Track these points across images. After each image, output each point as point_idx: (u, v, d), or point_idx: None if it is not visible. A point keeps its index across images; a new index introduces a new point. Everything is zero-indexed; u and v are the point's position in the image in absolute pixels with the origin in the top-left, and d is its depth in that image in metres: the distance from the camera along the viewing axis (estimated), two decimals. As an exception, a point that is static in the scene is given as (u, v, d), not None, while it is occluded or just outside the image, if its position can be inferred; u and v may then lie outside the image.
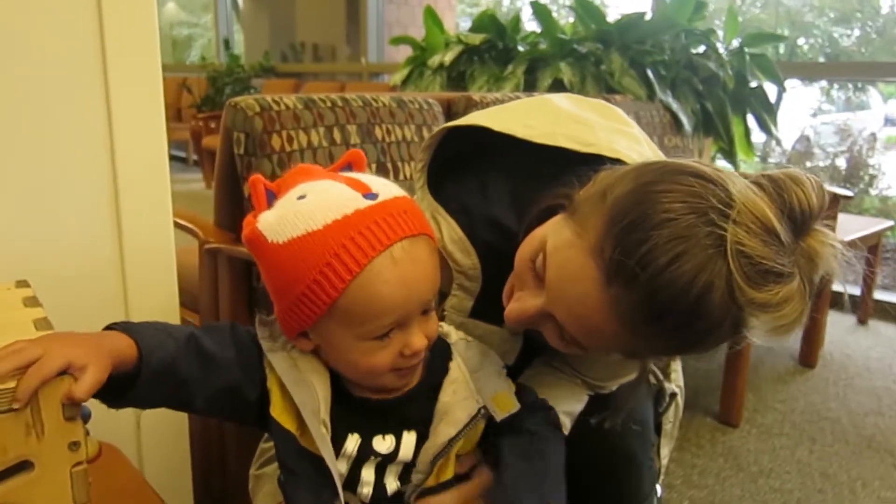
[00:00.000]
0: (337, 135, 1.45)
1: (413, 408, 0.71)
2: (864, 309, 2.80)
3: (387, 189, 0.66)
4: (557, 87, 2.74)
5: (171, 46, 8.88)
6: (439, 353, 0.74)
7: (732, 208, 0.60)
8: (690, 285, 0.59)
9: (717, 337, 0.63)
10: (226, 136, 1.37)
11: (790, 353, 2.44)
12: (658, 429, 0.97)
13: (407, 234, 0.63)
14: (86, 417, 0.62)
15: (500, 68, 3.09)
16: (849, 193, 2.41)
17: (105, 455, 0.85)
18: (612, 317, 0.63)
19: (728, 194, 0.61)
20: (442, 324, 0.77)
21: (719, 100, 2.87)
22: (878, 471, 1.74)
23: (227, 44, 6.80)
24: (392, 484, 0.71)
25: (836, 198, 2.26)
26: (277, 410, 0.69)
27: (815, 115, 4.28)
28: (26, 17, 0.93)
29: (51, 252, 1.00)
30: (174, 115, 6.69)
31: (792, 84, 3.26)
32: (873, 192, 3.96)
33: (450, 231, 0.83)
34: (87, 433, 0.59)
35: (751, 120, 2.98)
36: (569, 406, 0.87)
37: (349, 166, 0.72)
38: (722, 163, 2.94)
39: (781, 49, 3.69)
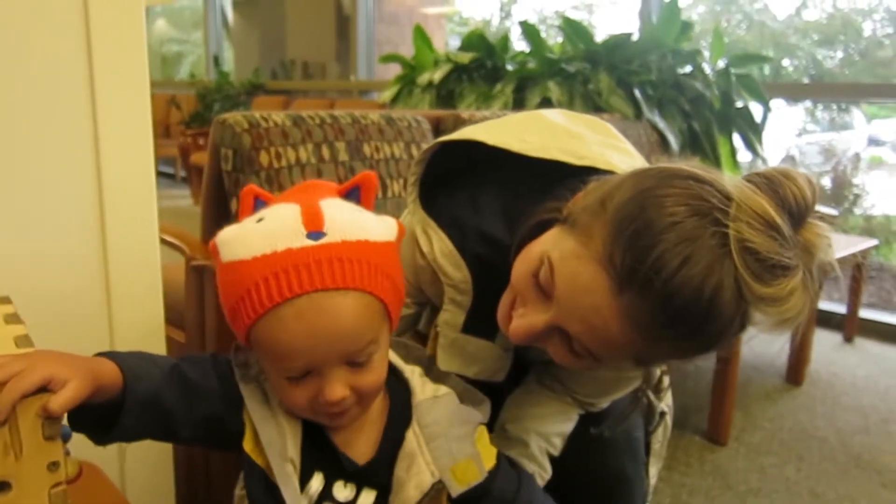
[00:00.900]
0: (325, 152, 1.45)
1: (376, 470, 0.69)
2: (850, 327, 2.82)
3: (342, 230, 0.62)
4: (546, 105, 2.76)
5: (160, 63, 8.88)
6: (399, 417, 0.70)
7: (731, 206, 0.61)
8: (702, 287, 0.59)
9: (728, 336, 0.64)
10: (214, 152, 1.37)
11: (777, 372, 2.45)
12: (647, 448, 0.97)
13: (323, 287, 0.59)
14: (66, 437, 0.61)
15: (489, 87, 3.11)
16: (834, 212, 2.43)
17: (86, 475, 0.83)
18: (627, 324, 0.63)
19: (726, 193, 0.62)
20: (414, 377, 0.72)
21: (706, 119, 2.90)
22: (866, 489, 1.74)
23: (216, 61, 6.81)
24: None
25: (821, 217, 2.27)
26: (250, 445, 0.67)
27: (800, 135, 4.33)
28: (12, 30, 0.93)
29: (34, 268, 0.99)
30: (163, 131, 6.68)
31: (777, 104, 3.30)
32: (858, 211, 4.01)
33: (441, 245, 0.83)
34: (67, 453, 0.58)
35: (737, 139, 3.00)
36: (560, 426, 0.87)
37: (357, 189, 0.69)
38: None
39: (766, 70, 3.73)
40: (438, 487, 0.66)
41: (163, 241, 1.30)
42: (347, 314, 0.60)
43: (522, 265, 0.72)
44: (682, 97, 2.87)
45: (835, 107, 4.39)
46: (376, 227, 0.65)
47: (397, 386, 0.72)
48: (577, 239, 0.66)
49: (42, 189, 0.99)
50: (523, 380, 0.93)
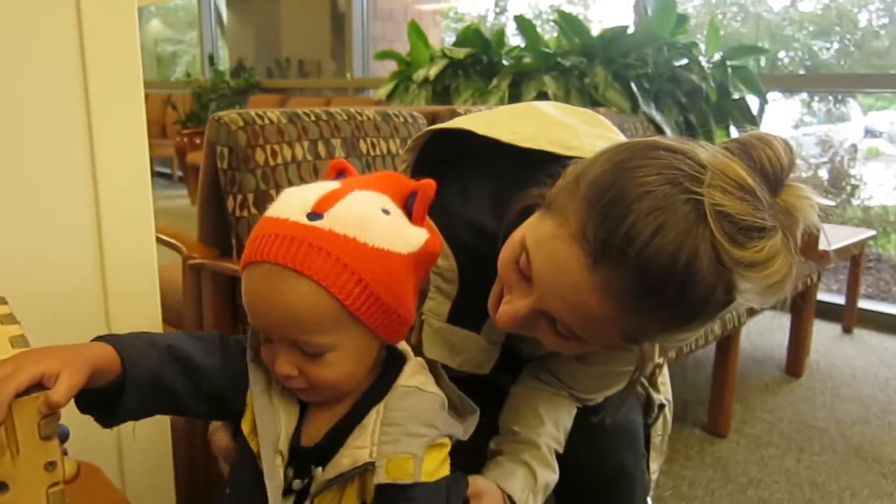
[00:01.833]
0: (321, 149, 1.45)
1: (326, 449, 0.67)
2: (849, 318, 2.82)
3: (338, 221, 0.61)
4: (542, 100, 2.75)
5: (155, 63, 8.86)
6: (375, 395, 0.68)
7: (705, 173, 0.61)
8: (678, 253, 0.59)
9: (712, 305, 0.63)
10: (209, 150, 1.36)
11: (777, 364, 2.45)
12: (647, 441, 0.97)
13: (283, 263, 0.60)
14: (63, 437, 0.61)
15: (485, 82, 3.11)
16: (831, 203, 2.43)
17: (85, 475, 0.83)
18: (607, 299, 0.63)
19: (698, 160, 0.62)
20: (412, 364, 0.70)
21: (702, 112, 2.89)
22: (867, 479, 1.74)
23: (211, 60, 6.80)
24: None
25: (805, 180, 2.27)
26: (248, 427, 0.68)
27: (796, 126, 4.33)
28: (5, 31, 0.93)
29: (30, 269, 0.99)
30: (159, 131, 6.67)
31: (773, 97, 3.30)
32: (855, 202, 4.01)
33: None
34: (64, 453, 0.58)
35: (734, 132, 3.00)
36: (565, 421, 0.87)
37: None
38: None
39: (762, 62, 3.73)
40: (369, 469, 0.64)
41: (159, 241, 1.30)
42: (294, 298, 0.60)
43: (505, 253, 0.72)
44: (678, 90, 2.87)
45: (831, 98, 4.39)
46: (382, 234, 0.62)
47: (392, 367, 0.70)
48: (554, 220, 0.66)
49: (37, 190, 0.98)
50: (519, 376, 0.93)
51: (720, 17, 4.39)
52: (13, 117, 0.95)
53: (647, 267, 0.60)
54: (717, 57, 3.03)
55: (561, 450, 0.87)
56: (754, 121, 2.99)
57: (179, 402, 0.66)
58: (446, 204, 0.84)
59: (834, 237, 2.49)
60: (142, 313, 1.11)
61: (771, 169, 0.63)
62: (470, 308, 0.78)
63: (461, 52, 3.23)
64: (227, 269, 1.33)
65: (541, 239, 0.67)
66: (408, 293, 0.66)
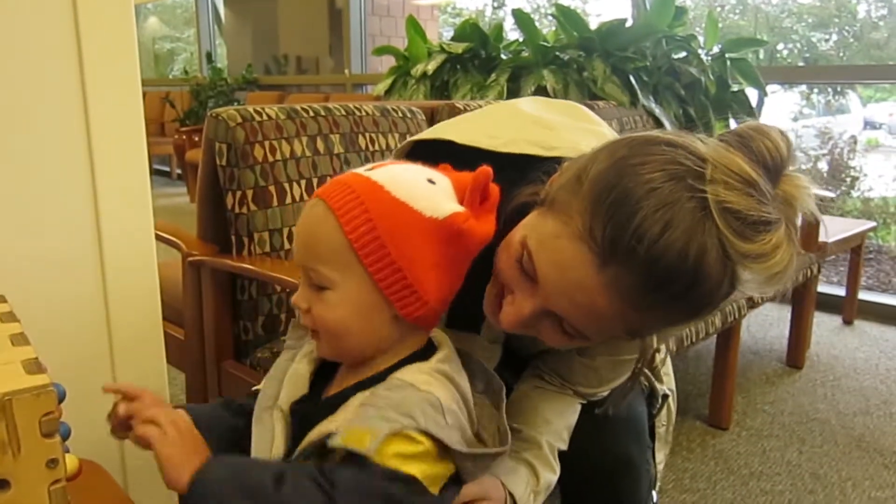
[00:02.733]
0: (320, 144, 1.44)
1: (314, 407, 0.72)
2: (850, 309, 2.82)
3: (380, 175, 0.67)
4: (540, 94, 2.75)
5: (153, 61, 8.85)
6: (372, 381, 0.68)
7: (706, 167, 0.61)
8: (686, 250, 0.59)
9: (717, 298, 0.63)
10: (208, 147, 1.36)
11: (778, 356, 2.45)
12: (651, 433, 0.97)
13: (318, 194, 0.67)
14: (65, 434, 0.61)
15: (484, 76, 3.10)
16: (831, 195, 2.43)
17: (88, 473, 0.83)
18: (615, 297, 0.63)
19: (699, 155, 0.62)
20: (426, 364, 0.68)
21: (701, 105, 2.89)
22: (868, 470, 1.74)
23: (209, 57, 6.78)
24: None
25: (819, 199, 2.27)
26: None
27: (796, 119, 4.33)
28: (0, 30, 0.92)
29: (29, 266, 0.99)
30: (157, 129, 6.66)
31: (772, 89, 3.30)
32: (855, 193, 4.01)
33: None
34: (66, 450, 0.58)
35: (733, 124, 2.99)
36: (568, 419, 0.87)
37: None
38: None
39: (761, 54, 3.73)
40: (327, 441, 0.63)
41: (159, 239, 1.30)
42: (311, 221, 0.67)
43: (505, 253, 0.71)
44: (677, 83, 2.86)
45: (830, 90, 4.39)
46: (411, 192, 0.65)
47: (421, 358, 0.70)
48: (557, 218, 0.66)
49: (36, 189, 0.98)
50: (522, 375, 0.93)
51: (718, 9, 4.38)
52: (10, 116, 0.95)
53: (657, 264, 0.60)
54: (715, 49, 3.03)
55: (564, 447, 0.86)
56: (753, 113, 2.99)
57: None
58: None
59: (834, 229, 2.49)
60: (142, 311, 1.11)
61: (771, 160, 0.62)
62: (464, 312, 0.78)
63: (459, 47, 3.22)
64: (227, 266, 1.32)
65: (544, 238, 0.67)
66: (421, 259, 0.65)
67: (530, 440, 0.85)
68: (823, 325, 2.76)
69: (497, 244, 0.73)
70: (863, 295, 2.91)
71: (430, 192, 0.66)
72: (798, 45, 4.42)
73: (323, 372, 0.75)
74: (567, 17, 3.00)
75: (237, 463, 0.67)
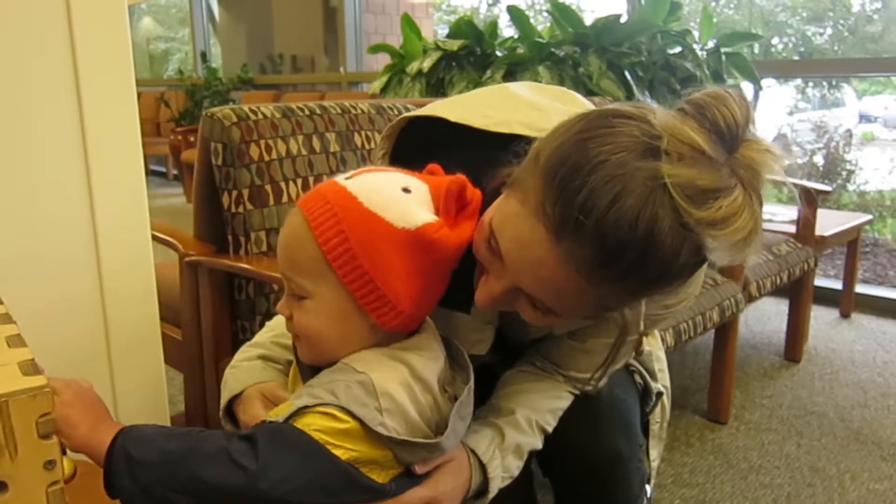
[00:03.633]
0: (316, 143, 1.44)
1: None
2: (847, 303, 2.83)
3: (354, 184, 0.69)
4: (536, 91, 2.75)
5: (148, 61, 8.82)
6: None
7: (658, 139, 0.61)
8: (636, 221, 0.59)
9: (680, 266, 0.63)
10: (203, 147, 1.36)
11: (775, 349, 2.46)
12: (645, 430, 0.97)
13: (298, 204, 0.69)
14: (62, 436, 0.61)
15: (479, 73, 3.10)
16: (827, 188, 2.44)
17: (85, 475, 0.83)
18: (571, 271, 0.63)
19: (651, 126, 0.62)
20: (386, 361, 0.70)
21: (697, 99, 2.89)
22: (867, 463, 1.75)
23: (204, 57, 6.77)
24: None
25: (815, 193, 2.28)
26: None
27: (791, 113, 4.33)
28: (-6, 30, 0.92)
29: (26, 268, 0.99)
30: (153, 129, 6.64)
31: (768, 83, 3.30)
32: (851, 187, 4.01)
33: None
34: (63, 452, 0.58)
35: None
36: (551, 402, 0.87)
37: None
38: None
39: (756, 48, 3.73)
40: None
41: (155, 239, 1.30)
42: (289, 231, 0.69)
43: (477, 235, 0.72)
44: (672, 78, 2.86)
45: (825, 84, 4.39)
46: (382, 202, 0.67)
47: None
48: (515, 197, 0.67)
49: (31, 191, 0.98)
50: (516, 363, 0.93)
51: (713, 4, 4.38)
52: (4, 118, 0.94)
53: (607, 236, 0.60)
54: (710, 44, 3.03)
55: (549, 429, 0.86)
56: (749, 107, 2.99)
57: None
58: None
59: (830, 222, 2.49)
60: (139, 311, 1.11)
61: (726, 126, 0.62)
62: (457, 290, 0.78)
63: (455, 44, 3.22)
64: (224, 266, 1.32)
65: (505, 218, 0.68)
66: (394, 269, 0.66)
67: (501, 409, 0.86)
68: (821, 319, 2.76)
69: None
70: (860, 288, 2.91)
71: (404, 202, 0.67)
72: (793, 39, 4.42)
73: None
74: (562, 13, 3.00)
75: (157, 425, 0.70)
